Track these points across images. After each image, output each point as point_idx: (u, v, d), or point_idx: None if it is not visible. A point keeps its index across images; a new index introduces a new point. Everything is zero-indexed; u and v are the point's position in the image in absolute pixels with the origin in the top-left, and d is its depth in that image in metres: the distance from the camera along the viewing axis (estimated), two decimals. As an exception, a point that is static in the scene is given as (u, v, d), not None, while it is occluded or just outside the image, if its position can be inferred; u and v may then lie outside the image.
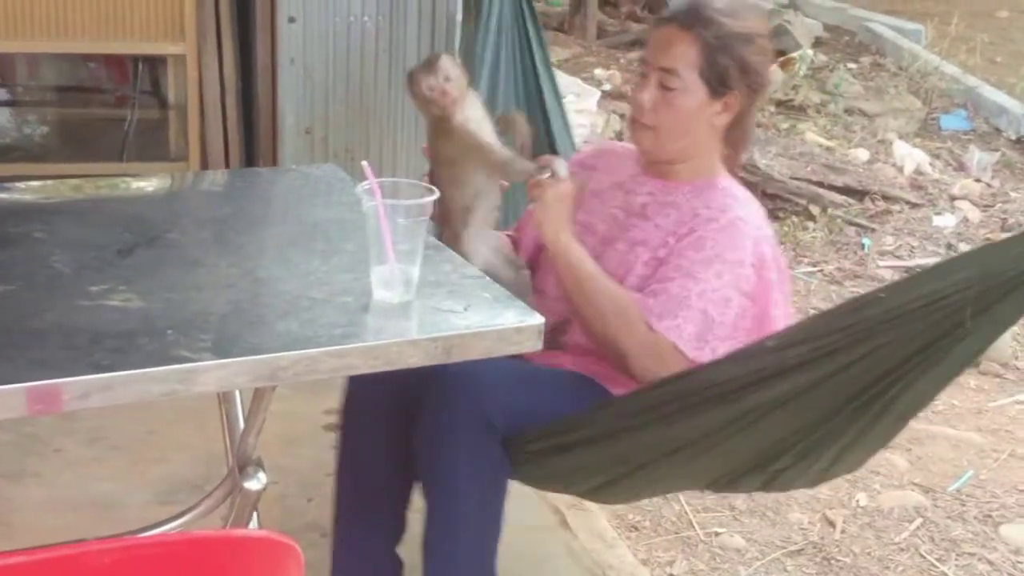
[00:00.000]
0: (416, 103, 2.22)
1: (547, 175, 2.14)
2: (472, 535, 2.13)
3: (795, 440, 1.94)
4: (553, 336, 2.16)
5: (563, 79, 5.87)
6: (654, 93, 2.17)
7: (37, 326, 1.62)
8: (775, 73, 6.61)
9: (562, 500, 2.80)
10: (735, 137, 2.25)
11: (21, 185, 2.22)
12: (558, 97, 3.23)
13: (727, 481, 2.11)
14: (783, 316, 2.15)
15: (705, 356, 2.06)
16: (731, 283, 2.10)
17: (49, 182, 2.29)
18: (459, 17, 3.57)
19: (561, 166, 2.16)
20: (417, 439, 2.14)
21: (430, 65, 2.17)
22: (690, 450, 1.98)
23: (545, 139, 3.09)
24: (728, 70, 2.13)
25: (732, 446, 1.95)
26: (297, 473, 2.91)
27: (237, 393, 2.24)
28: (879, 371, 1.79)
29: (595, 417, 2.05)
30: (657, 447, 2.01)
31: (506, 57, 3.22)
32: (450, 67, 2.17)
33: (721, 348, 2.07)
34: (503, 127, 2.25)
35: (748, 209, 2.19)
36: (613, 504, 2.73)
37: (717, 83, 2.14)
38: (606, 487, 2.15)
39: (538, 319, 1.75)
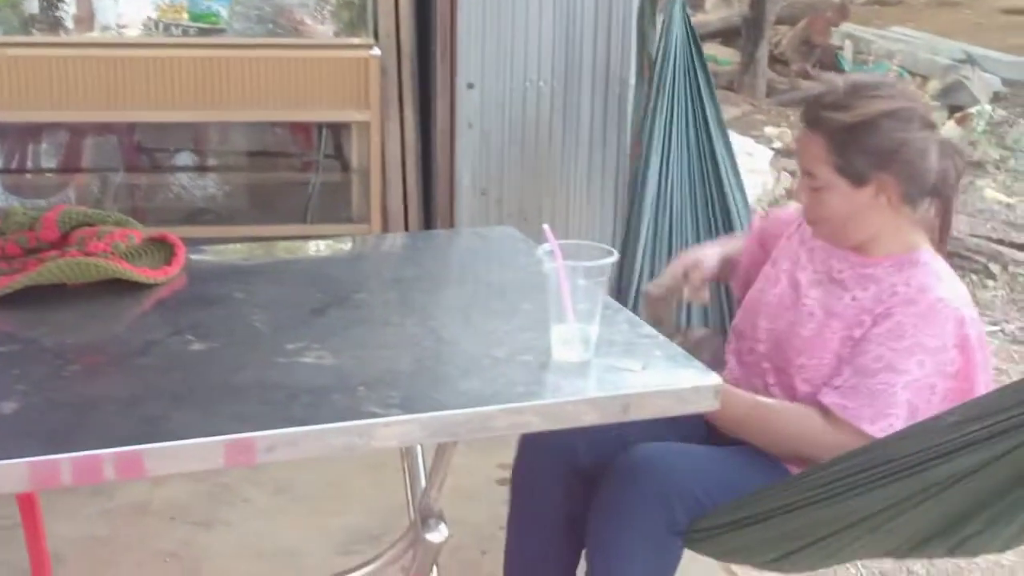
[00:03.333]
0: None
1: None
2: None
3: (983, 508, 1.87)
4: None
5: (733, 138, 5.88)
6: (808, 193, 2.18)
7: (238, 382, 1.72)
8: (950, 128, 6.49)
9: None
10: (939, 214, 2.21)
11: (218, 247, 2.35)
12: (731, 155, 3.22)
13: (910, 548, 2.06)
14: (984, 387, 2.10)
15: None
16: (934, 371, 2.06)
17: (242, 244, 2.41)
18: (632, 80, 3.64)
19: None
20: (592, 522, 2.16)
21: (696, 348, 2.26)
22: (871, 522, 1.94)
23: (719, 200, 3.08)
24: (858, 161, 2.10)
25: (915, 517, 1.91)
26: (471, 526, 2.97)
27: (419, 448, 2.31)
28: None
29: (773, 495, 2.03)
30: (836, 521, 1.97)
31: (678, 116, 3.23)
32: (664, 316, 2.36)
33: None
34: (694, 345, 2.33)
35: (950, 288, 2.12)
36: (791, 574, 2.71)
37: (854, 176, 2.11)
38: (784, 559, 2.13)
39: (715, 379, 1.78)
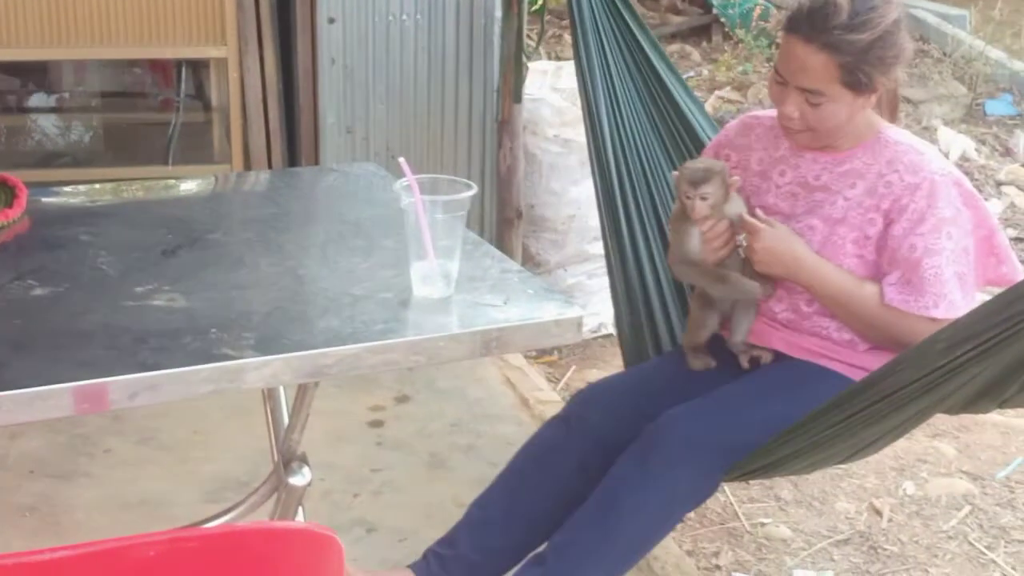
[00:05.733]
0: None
1: (745, 242, 2.24)
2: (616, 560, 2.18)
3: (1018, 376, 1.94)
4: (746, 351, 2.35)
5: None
6: (801, 106, 2.19)
7: (83, 327, 1.65)
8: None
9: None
10: (885, 102, 2.29)
11: (68, 188, 2.26)
12: (675, 71, 3.03)
13: (960, 406, 2.12)
14: (996, 224, 2.27)
15: (970, 306, 2.14)
16: (961, 235, 2.19)
17: (94, 185, 2.32)
18: (498, 14, 3.59)
19: (741, 237, 2.26)
20: (619, 466, 2.18)
21: (698, 179, 2.23)
22: (890, 435, 2.11)
23: (678, 119, 2.96)
24: (871, 74, 2.15)
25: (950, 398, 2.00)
26: (343, 469, 2.94)
27: (282, 391, 2.27)
28: None
29: (791, 438, 2.10)
30: (852, 444, 2.10)
31: (611, 48, 3.03)
32: (711, 189, 2.22)
33: (974, 291, 2.22)
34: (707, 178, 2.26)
35: (932, 157, 2.24)
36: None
37: (862, 86, 2.16)
38: (812, 465, 2.25)
39: (577, 311, 1.76)
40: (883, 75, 2.17)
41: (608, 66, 2.96)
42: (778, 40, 6.48)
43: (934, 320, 2.15)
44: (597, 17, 3.00)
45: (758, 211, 2.28)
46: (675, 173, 2.32)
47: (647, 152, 2.90)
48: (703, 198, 2.22)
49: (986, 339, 1.82)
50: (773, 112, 2.33)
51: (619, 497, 2.14)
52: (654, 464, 2.13)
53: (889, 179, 2.22)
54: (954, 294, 2.18)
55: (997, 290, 2.00)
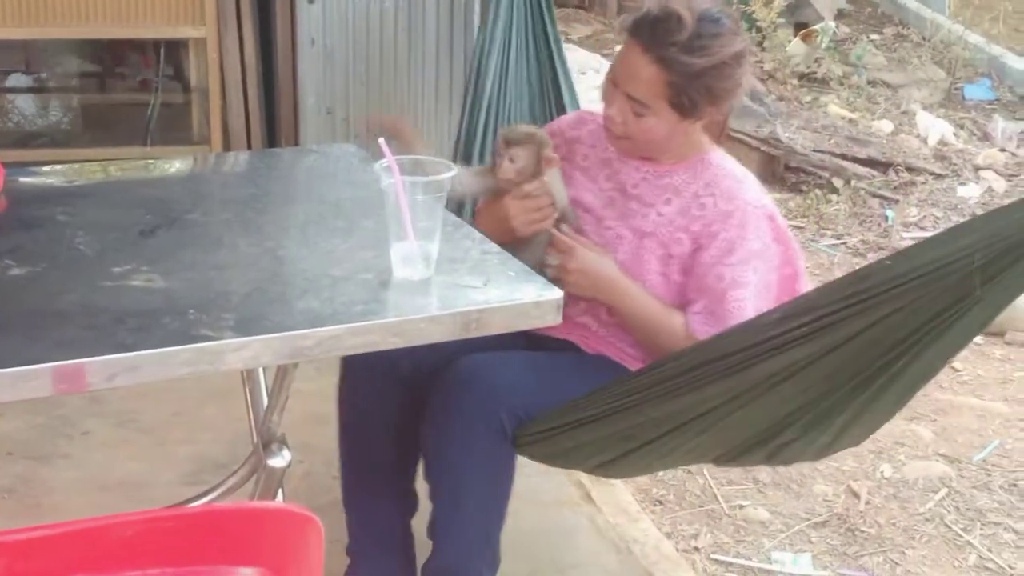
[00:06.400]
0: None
1: (552, 271, 2.15)
2: (477, 524, 2.18)
3: (799, 414, 1.93)
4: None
5: (584, 55, 5.88)
6: (624, 112, 2.16)
7: (61, 307, 1.64)
8: (796, 45, 6.57)
9: (586, 475, 2.82)
10: (713, 128, 2.25)
11: (45, 168, 2.24)
12: (565, 64, 3.15)
13: (732, 456, 2.12)
14: (802, 268, 2.21)
15: None
16: (766, 270, 2.16)
17: (72, 166, 2.30)
18: (477, -5, 3.58)
19: (552, 258, 2.19)
20: (426, 436, 2.18)
21: (512, 140, 2.21)
22: (696, 425, 1.99)
23: (556, 106, 3.02)
24: (698, 100, 2.11)
25: (736, 420, 1.96)
26: (323, 451, 2.93)
27: (261, 372, 2.26)
28: (886, 342, 1.78)
29: (603, 396, 2.05)
30: (663, 422, 2.01)
31: (518, 22, 3.13)
32: (522, 153, 2.20)
33: None
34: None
35: (750, 186, 2.21)
36: (615, 479, 2.75)
37: (686, 110, 2.13)
38: (611, 463, 2.17)
39: (556, 293, 1.76)
40: (711, 105, 2.14)
41: (511, 27, 3.03)
42: (758, 23, 6.49)
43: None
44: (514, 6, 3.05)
45: (567, 230, 2.23)
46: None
47: (517, 117, 2.98)
48: (511, 159, 2.20)
49: (821, 315, 1.79)
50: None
51: (442, 486, 2.16)
52: (458, 417, 2.11)
53: (704, 201, 2.19)
54: None
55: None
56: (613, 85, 2.18)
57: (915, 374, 1.85)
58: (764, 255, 2.16)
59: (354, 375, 2.32)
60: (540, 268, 2.14)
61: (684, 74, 2.08)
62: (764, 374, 1.86)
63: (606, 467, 2.20)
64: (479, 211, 2.40)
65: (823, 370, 1.84)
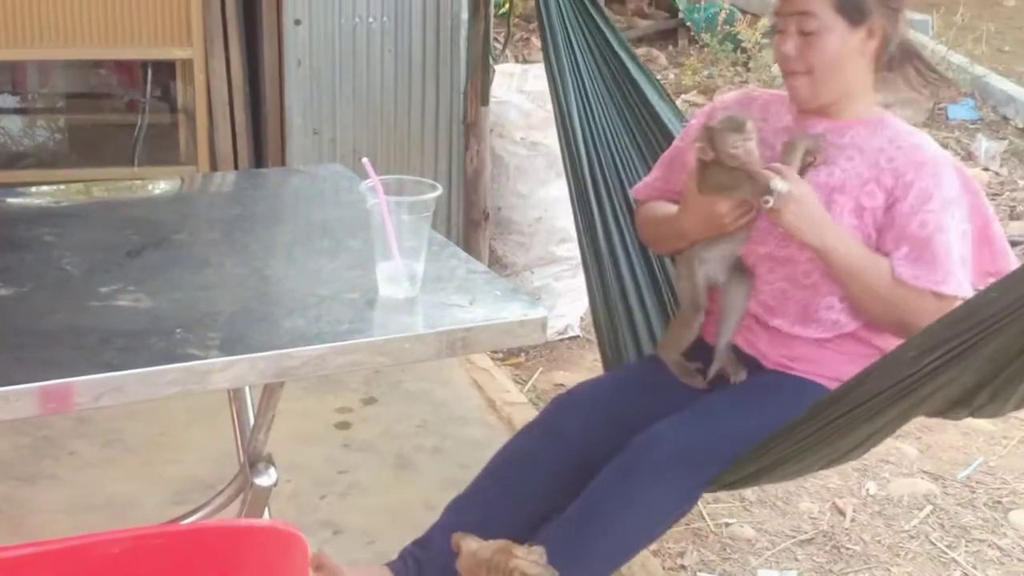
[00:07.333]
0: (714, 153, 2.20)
1: (771, 199, 2.13)
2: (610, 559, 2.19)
3: (983, 387, 1.94)
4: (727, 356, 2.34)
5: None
6: (796, 40, 2.19)
7: (48, 327, 1.65)
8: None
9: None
10: (896, 58, 2.27)
11: (32, 189, 2.25)
12: (646, 72, 3.03)
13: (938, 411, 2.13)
14: (992, 215, 2.26)
15: (969, 292, 2.16)
16: (962, 217, 2.20)
17: (59, 186, 2.32)
18: (465, 16, 3.60)
19: (779, 183, 2.14)
20: (602, 482, 2.16)
21: (738, 126, 2.17)
22: (869, 442, 2.10)
23: (652, 120, 2.95)
24: (864, 2, 2.16)
25: (914, 412, 2.01)
26: (310, 471, 2.94)
27: (247, 392, 2.27)
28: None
29: (788, 438, 2.09)
30: (837, 449, 2.10)
31: (580, 51, 3.02)
32: (751, 126, 2.18)
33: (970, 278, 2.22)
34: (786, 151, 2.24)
35: (931, 142, 2.27)
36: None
37: (855, 12, 2.17)
38: (771, 476, 2.24)
39: (542, 312, 1.78)
40: (878, 3, 2.17)
41: (578, 65, 2.96)
42: (743, 44, 6.52)
43: (942, 297, 2.16)
44: (566, 17, 2.98)
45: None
46: (705, 128, 2.23)
47: (619, 151, 2.89)
48: (748, 139, 2.16)
49: (954, 345, 1.82)
50: (771, 91, 2.38)
51: (601, 510, 2.12)
52: (639, 478, 2.12)
53: (891, 155, 2.21)
54: (960, 274, 2.18)
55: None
56: (779, 32, 2.22)
57: None
58: (959, 203, 2.19)
59: (567, 403, 2.36)
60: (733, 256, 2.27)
61: None
62: (912, 403, 1.93)
63: (760, 477, 2.25)
64: (682, 209, 2.36)
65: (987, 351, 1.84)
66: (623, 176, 2.87)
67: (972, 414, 2.12)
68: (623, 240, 2.82)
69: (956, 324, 1.85)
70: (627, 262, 2.81)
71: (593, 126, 2.91)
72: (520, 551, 1.78)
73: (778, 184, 2.12)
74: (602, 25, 2.99)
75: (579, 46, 2.97)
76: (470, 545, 1.81)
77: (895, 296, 2.18)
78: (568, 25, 2.98)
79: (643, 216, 2.56)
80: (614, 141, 2.90)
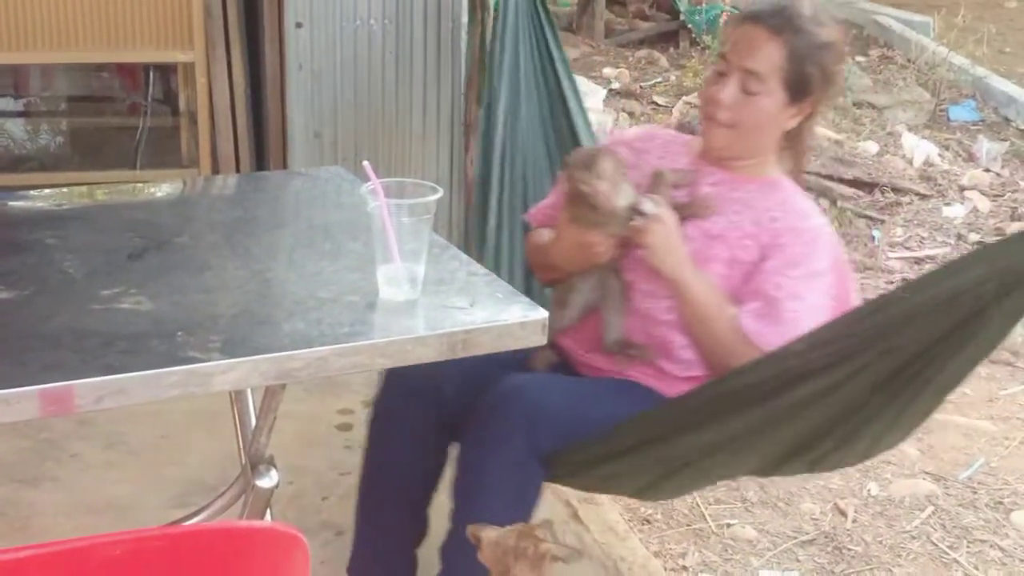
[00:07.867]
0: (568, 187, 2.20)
1: (639, 220, 2.13)
2: None
3: (832, 428, 1.97)
4: (622, 350, 2.26)
5: (571, 78, 5.89)
6: (734, 92, 2.19)
7: (50, 330, 1.65)
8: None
9: (573, 493, 2.82)
10: (797, 142, 2.29)
11: (34, 192, 2.25)
12: (578, 96, 3.16)
13: (772, 467, 2.15)
14: (854, 301, 2.23)
15: None
16: (824, 293, 2.18)
17: (62, 189, 2.32)
18: (465, 19, 3.60)
19: (649, 204, 2.15)
20: (462, 445, 2.18)
21: (588, 164, 2.15)
22: (731, 446, 2.03)
23: (570, 139, 3.03)
24: (812, 78, 2.17)
25: (772, 438, 2.00)
26: (312, 473, 2.94)
27: (249, 394, 2.27)
28: (903, 359, 1.82)
29: (641, 424, 2.08)
30: (700, 447, 2.05)
31: (525, 59, 3.15)
32: (609, 169, 2.15)
33: None
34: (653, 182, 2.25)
35: (819, 214, 2.27)
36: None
37: (798, 89, 2.17)
38: (651, 487, 2.20)
39: (542, 314, 1.78)
40: (822, 83, 2.18)
41: (519, 67, 3.04)
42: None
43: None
44: (519, 20, 3.08)
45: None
46: (567, 161, 2.24)
47: (532, 155, 2.99)
48: (599, 177, 2.13)
49: (841, 346, 1.85)
50: (674, 132, 2.40)
51: (472, 482, 2.14)
52: (495, 432, 2.12)
53: (776, 216, 2.21)
54: None
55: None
56: (720, 74, 2.21)
57: (941, 383, 1.87)
58: (823, 279, 2.18)
59: (393, 391, 2.31)
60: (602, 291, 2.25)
61: (807, 44, 2.15)
62: (792, 399, 1.91)
63: (644, 492, 2.23)
64: (556, 239, 2.32)
65: (848, 392, 1.88)
66: (529, 185, 2.93)
67: (812, 465, 2.13)
68: (511, 235, 2.88)
69: (850, 326, 1.89)
70: (509, 252, 2.87)
71: (516, 123, 2.98)
72: (541, 532, 1.79)
73: (647, 206, 2.14)
74: (547, 30, 3.09)
75: (523, 46, 3.07)
76: (489, 535, 1.81)
77: (731, 342, 2.16)
78: (520, 25, 3.06)
79: (530, 242, 2.52)
80: (530, 144, 2.98)
